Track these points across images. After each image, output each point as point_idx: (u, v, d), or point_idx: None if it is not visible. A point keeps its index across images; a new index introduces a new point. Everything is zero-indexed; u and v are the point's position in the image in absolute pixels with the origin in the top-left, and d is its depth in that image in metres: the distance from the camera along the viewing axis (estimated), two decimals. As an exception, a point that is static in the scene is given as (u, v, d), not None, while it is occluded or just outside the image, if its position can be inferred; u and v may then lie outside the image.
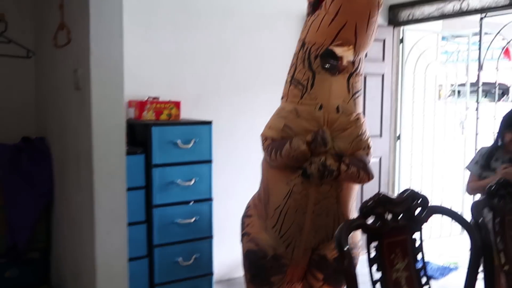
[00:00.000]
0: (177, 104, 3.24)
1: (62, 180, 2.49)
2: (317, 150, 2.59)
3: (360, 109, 2.75)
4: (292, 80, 2.74)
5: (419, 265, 1.99)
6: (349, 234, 1.79)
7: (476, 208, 2.16)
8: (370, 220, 1.89)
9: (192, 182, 3.12)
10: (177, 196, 3.10)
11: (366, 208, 1.86)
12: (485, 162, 3.07)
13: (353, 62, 2.65)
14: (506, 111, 3.17)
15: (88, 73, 1.94)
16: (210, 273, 3.26)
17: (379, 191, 4.59)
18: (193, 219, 3.14)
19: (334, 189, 2.69)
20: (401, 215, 1.93)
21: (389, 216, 1.91)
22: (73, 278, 2.35)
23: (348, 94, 2.66)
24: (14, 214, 2.55)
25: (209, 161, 3.19)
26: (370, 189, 4.47)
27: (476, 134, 3.94)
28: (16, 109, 3.03)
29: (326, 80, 2.62)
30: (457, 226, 4.77)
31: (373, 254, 1.89)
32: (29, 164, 2.65)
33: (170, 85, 3.38)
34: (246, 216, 2.98)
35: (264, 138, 2.81)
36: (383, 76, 4.48)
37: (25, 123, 3.03)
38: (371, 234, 1.88)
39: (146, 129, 2.94)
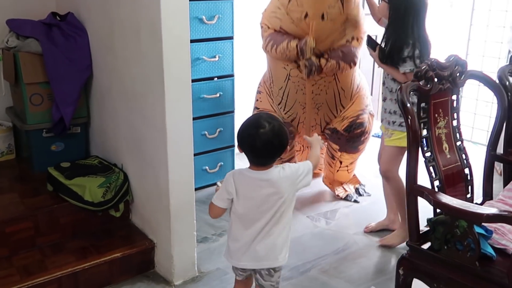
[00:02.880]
0: (195, -21, 3.20)
1: (107, 54, 2.51)
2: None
3: (349, 7, 2.71)
4: None
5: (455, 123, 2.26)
6: (409, 93, 1.99)
7: (502, 72, 2.40)
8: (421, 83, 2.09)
9: (217, 58, 3.20)
10: (203, 72, 3.19)
11: (420, 72, 2.05)
12: None
13: None
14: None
15: None
16: (232, 145, 3.47)
17: (373, 68, 4.80)
18: (217, 95, 3.27)
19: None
20: (446, 78, 2.14)
21: (436, 80, 2.11)
22: (129, 145, 2.48)
23: None
24: (59, 89, 2.58)
25: (231, 38, 3.24)
26: (366, 66, 4.65)
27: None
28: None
29: None
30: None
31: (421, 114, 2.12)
32: (64, 39, 2.63)
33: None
34: (257, 92, 3.23)
35: (265, 26, 2.92)
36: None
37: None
38: (421, 96, 2.10)
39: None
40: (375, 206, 3.17)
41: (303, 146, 3.45)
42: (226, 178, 1.87)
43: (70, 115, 2.64)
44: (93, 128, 2.86)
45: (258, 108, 3.16)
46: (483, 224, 1.87)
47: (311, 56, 2.73)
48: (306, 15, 2.67)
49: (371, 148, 3.58)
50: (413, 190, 1.97)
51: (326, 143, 3.23)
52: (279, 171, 1.83)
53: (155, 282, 2.36)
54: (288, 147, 2.10)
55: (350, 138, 3.04)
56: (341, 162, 3.18)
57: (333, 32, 2.76)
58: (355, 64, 2.90)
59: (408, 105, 1.95)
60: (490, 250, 1.84)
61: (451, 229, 1.87)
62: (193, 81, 3.15)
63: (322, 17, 2.67)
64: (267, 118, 1.83)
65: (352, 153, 3.16)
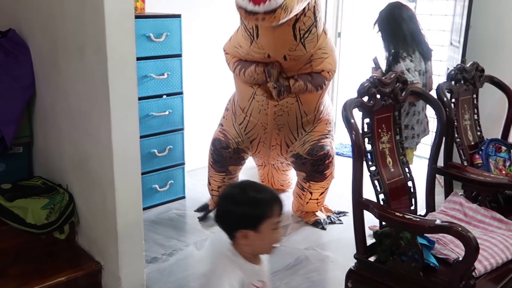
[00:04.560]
0: (141, -3, 3.19)
1: (51, 71, 2.44)
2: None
3: (312, 45, 2.71)
4: (241, 22, 2.74)
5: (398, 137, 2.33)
6: (353, 109, 2.04)
7: (441, 89, 2.51)
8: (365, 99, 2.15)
9: (165, 76, 3.18)
10: (151, 90, 3.17)
11: (363, 89, 2.12)
12: None
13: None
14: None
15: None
16: (182, 163, 3.44)
17: (321, 86, 4.91)
18: (166, 112, 3.25)
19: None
20: (387, 94, 2.21)
21: (378, 96, 2.18)
22: (75, 164, 2.41)
23: (294, 41, 2.63)
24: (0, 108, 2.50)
25: (179, 55, 3.24)
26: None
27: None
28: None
29: (268, 31, 2.59)
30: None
31: (365, 129, 2.18)
32: (5, 55, 2.53)
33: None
34: (225, 109, 3.22)
35: (229, 56, 2.95)
36: (327, -26, 4.62)
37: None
38: (365, 111, 2.16)
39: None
40: (325, 220, 3.22)
41: (264, 161, 3.45)
42: None
43: (11, 134, 2.54)
44: (37, 148, 2.76)
45: (222, 125, 3.14)
46: (425, 235, 1.94)
47: (279, 78, 2.75)
48: (268, 56, 2.71)
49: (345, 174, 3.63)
50: (359, 204, 2.02)
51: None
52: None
53: (102, 306, 2.29)
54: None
55: (315, 161, 2.98)
56: (311, 193, 3.11)
57: (297, 67, 2.80)
58: (321, 88, 2.91)
59: (352, 120, 2.00)
60: (433, 260, 1.90)
61: (396, 240, 1.92)
62: (141, 98, 3.13)
63: (285, 58, 2.71)
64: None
65: (320, 181, 3.07)
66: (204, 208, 3.28)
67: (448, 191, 2.47)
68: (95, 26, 2.02)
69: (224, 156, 3.07)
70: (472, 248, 1.69)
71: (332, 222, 3.20)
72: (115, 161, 2.12)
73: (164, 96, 3.23)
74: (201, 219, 3.20)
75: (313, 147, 2.98)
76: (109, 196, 2.18)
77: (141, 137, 3.09)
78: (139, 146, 2.21)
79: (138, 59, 2.96)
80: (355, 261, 2.05)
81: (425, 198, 2.44)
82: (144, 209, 3.19)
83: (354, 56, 5.09)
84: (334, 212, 3.31)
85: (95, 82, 2.11)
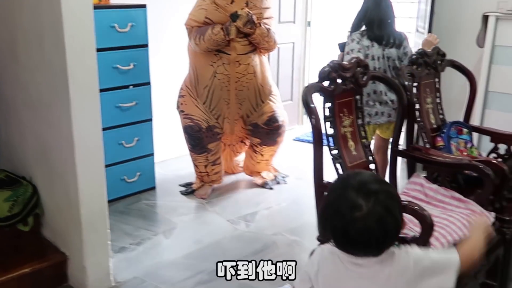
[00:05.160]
0: (106, -12, 3.16)
1: (11, 63, 2.40)
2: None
3: (267, 3, 3.17)
4: None
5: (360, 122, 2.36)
6: (312, 94, 2.06)
7: (402, 73, 2.55)
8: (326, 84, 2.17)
9: (131, 66, 3.16)
10: (118, 81, 3.15)
11: (323, 74, 2.14)
12: None
13: None
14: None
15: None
16: (151, 154, 3.43)
17: (292, 74, 4.94)
18: (134, 103, 3.23)
19: (251, 67, 3.19)
20: (348, 79, 2.24)
21: (339, 81, 2.21)
22: (37, 156, 2.39)
23: None
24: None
25: (145, 45, 3.22)
26: (284, 73, 4.79)
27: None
28: None
29: None
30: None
31: (327, 113, 2.20)
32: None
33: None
34: (179, 96, 3.36)
35: (190, 27, 3.16)
36: (295, -38, 4.64)
37: None
38: (326, 96, 2.18)
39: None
40: (294, 206, 3.26)
41: (227, 143, 3.52)
42: (312, 256, 1.43)
43: (-28, 127, 2.51)
44: (0, 141, 2.72)
45: (183, 111, 3.29)
46: (385, 215, 1.97)
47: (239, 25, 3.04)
48: (232, 1, 3.01)
49: (294, 151, 3.97)
50: (320, 187, 2.04)
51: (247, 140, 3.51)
52: (396, 264, 1.25)
53: (68, 296, 2.29)
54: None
55: (270, 131, 3.35)
56: (262, 155, 3.47)
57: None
58: (274, 44, 3.26)
59: (312, 105, 2.02)
60: (392, 240, 1.94)
61: (356, 221, 1.96)
62: (108, 89, 3.11)
63: (247, 4, 3.05)
64: (363, 189, 1.26)
65: (271, 146, 3.45)
66: (187, 185, 3.52)
67: (410, 173, 2.51)
68: (52, 16, 2.00)
69: (200, 137, 3.25)
70: (427, 224, 1.73)
71: (278, 183, 3.56)
72: (76, 151, 2.11)
73: (131, 87, 3.21)
74: (185, 193, 3.43)
75: (270, 118, 3.32)
76: (72, 187, 2.17)
77: (109, 128, 3.11)
78: (101, 136, 2.20)
79: (103, 49, 3.00)
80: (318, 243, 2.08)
81: (388, 180, 2.48)
82: (113, 200, 3.20)
83: (323, 45, 5.12)
84: (279, 172, 3.67)
85: (55, 73, 2.09)
